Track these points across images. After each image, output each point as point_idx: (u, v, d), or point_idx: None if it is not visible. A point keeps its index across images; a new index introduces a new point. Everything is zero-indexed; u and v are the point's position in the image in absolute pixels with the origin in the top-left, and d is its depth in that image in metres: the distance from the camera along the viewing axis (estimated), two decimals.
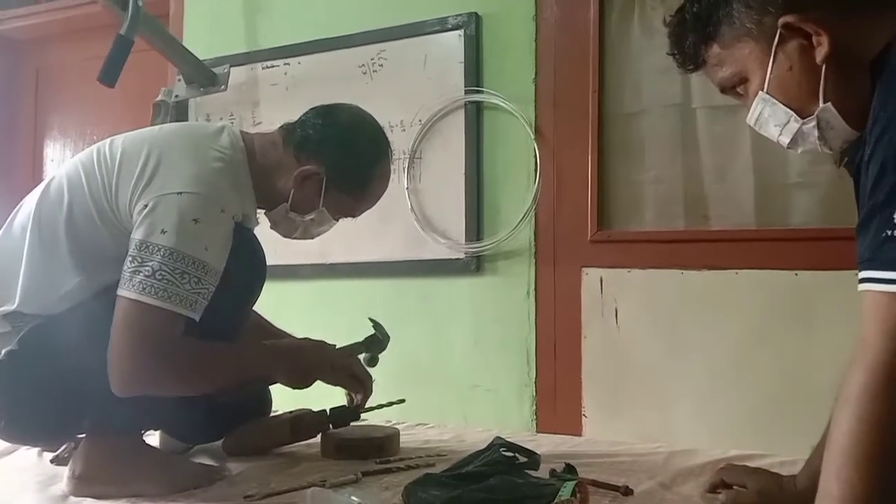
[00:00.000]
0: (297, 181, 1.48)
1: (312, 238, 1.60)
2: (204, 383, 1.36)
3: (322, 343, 1.58)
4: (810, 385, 1.73)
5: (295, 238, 1.59)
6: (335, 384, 1.59)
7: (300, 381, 1.51)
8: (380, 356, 1.68)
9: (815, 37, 0.90)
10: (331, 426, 1.68)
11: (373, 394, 1.63)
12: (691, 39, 1.02)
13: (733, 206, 1.94)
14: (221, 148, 1.41)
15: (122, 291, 1.25)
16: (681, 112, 1.99)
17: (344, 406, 1.66)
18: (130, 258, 1.26)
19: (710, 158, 1.97)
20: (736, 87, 1.02)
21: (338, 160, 1.48)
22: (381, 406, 1.73)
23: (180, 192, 1.28)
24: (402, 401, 1.76)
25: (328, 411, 1.68)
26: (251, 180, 1.45)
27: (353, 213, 1.59)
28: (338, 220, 1.58)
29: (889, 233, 0.75)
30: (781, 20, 0.92)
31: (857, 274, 0.80)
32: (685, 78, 1.93)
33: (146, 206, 1.28)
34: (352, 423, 1.69)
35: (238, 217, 1.38)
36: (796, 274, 1.81)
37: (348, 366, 1.59)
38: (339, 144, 1.49)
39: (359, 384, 1.60)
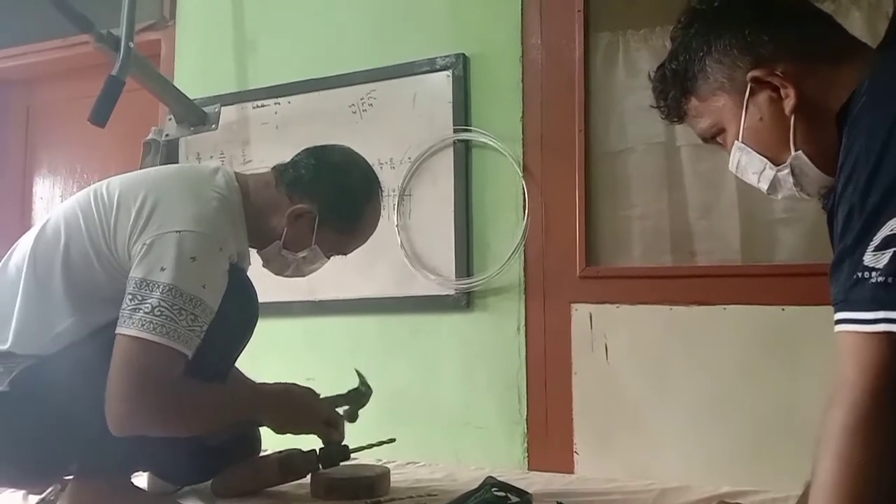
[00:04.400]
0: (290, 219, 1.50)
1: (304, 276, 1.62)
2: (199, 423, 1.36)
3: (310, 391, 1.60)
4: (801, 420, 1.74)
5: (287, 276, 1.60)
6: (312, 433, 1.61)
7: (285, 426, 1.53)
8: (359, 412, 1.71)
9: (782, 89, 0.96)
10: (320, 466, 1.66)
11: (363, 432, 1.63)
12: (672, 93, 1.08)
13: (719, 242, 1.96)
14: (218, 188, 1.43)
15: (122, 329, 1.25)
16: (665, 150, 2.02)
17: (334, 445, 1.65)
18: (130, 296, 1.26)
19: (696, 195, 1.99)
20: (716, 137, 1.08)
21: (330, 198, 1.51)
22: (371, 445, 1.72)
23: (179, 231, 1.30)
24: (393, 440, 1.75)
25: (318, 451, 1.67)
26: (245, 220, 1.47)
27: (345, 251, 1.61)
28: (329, 258, 1.60)
29: (860, 275, 0.77)
30: (750, 74, 0.98)
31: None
32: None
33: (145, 244, 1.29)
34: (342, 463, 1.68)
35: (234, 257, 1.40)
36: (783, 309, 1.83)
37: (330, 417, 1.61)
38: (332, 183, 1.52)
39: (332, 431, 1.61)
